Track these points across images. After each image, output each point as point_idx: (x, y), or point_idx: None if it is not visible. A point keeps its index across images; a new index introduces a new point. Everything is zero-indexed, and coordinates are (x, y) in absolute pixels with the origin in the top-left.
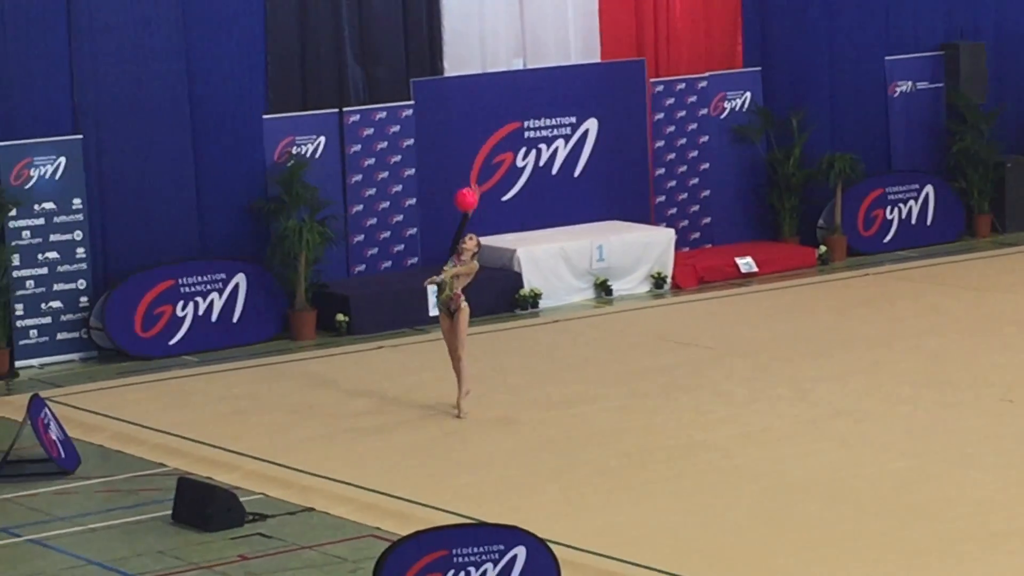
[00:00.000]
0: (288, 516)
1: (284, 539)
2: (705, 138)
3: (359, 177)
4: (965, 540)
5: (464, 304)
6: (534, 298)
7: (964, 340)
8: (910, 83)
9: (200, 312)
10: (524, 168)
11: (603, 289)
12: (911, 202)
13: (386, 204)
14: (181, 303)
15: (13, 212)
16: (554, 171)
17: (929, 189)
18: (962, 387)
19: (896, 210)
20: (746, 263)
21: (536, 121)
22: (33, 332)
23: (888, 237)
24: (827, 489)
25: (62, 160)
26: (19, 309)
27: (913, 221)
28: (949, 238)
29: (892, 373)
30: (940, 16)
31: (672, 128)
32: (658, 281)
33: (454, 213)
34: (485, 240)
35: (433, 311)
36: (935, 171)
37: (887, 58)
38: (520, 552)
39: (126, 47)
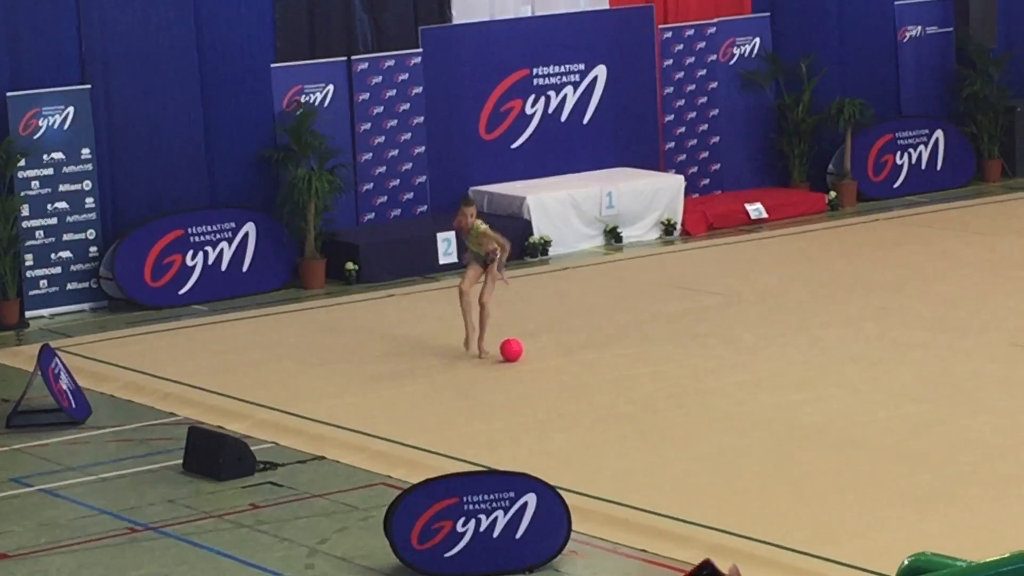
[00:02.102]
0: (299, 465)
1: (295, 488)
2: (714, 84)
3: (368, 125)
4: (975, 484)
5: (499, 256)
6: (544, 245)
7: (974, 285)
8: (919, 27)
9: (210, 261)
10: (533, 115)
11: (613, 236)
12: (921, 147)
13: (395, 152)
14: (191, 252)
15: (22, 162)
16: (563, 118)
17: (939, 134)
18: (973, 332)
19: (906, 155)
20: (756, 209)
21: (545, 68)
22: (43, 282)
23: (898, 182)
24: (837, 435)
25: (70, 110)
26: (29, 259)
27: (923, 166)
28: (959, 183)
29: (902, 318)
30: None
31: (681, 74)
32: (668, 228)
33: (462, 161)
34: (495, 188)
35: (444, 259)
36: (945, 116)
37: (896, 2)
38: (531, 499)
39: None
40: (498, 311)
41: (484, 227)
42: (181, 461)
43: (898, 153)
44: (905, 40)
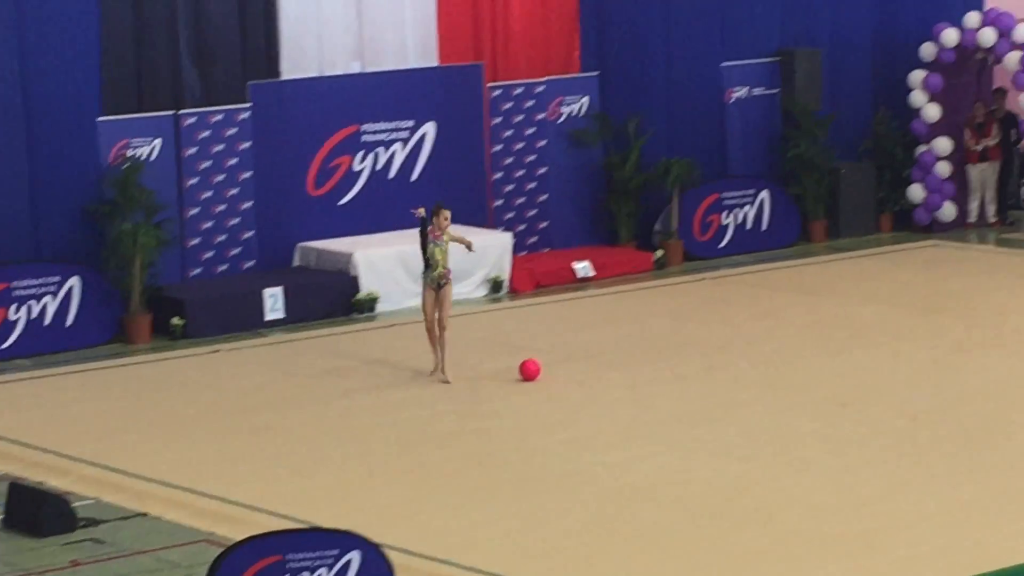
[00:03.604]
0: (121, 521)
1: (117, 544)
2: (543, 142)
3: (195, 180)
4: (798, 544)
5: (451, 279)
6: (371, 302)
7: (799, 345)
8: (746, 89)
9: (33, 315)
10: (361, 172)
11: None
12: (747, 207)
13: (222, 207)
14: (14, 306)
15: None
16: (391, 175)
17: (765, 194)
18: (796, 391)
19: (732, 215)
20: (583, 267)
21: (374, 124)
22: None
23: (724, 242)
24: (662, 493)
25: None
26: None
27: (748, 226)
28: (784, 243)
29: (727, 377)
30: (776, 22)
31: (510, 132)
32: (495, 285)
33: (290, 217)
34: (322, 244)
35: (270, 315)
36: (771, 177)
37: (723, 64)
38: (355, 557)
39: None
40: (323, 365)
41: (453, 232)
42: (1, 517)
43: (724, 213)
44: (732, 101)
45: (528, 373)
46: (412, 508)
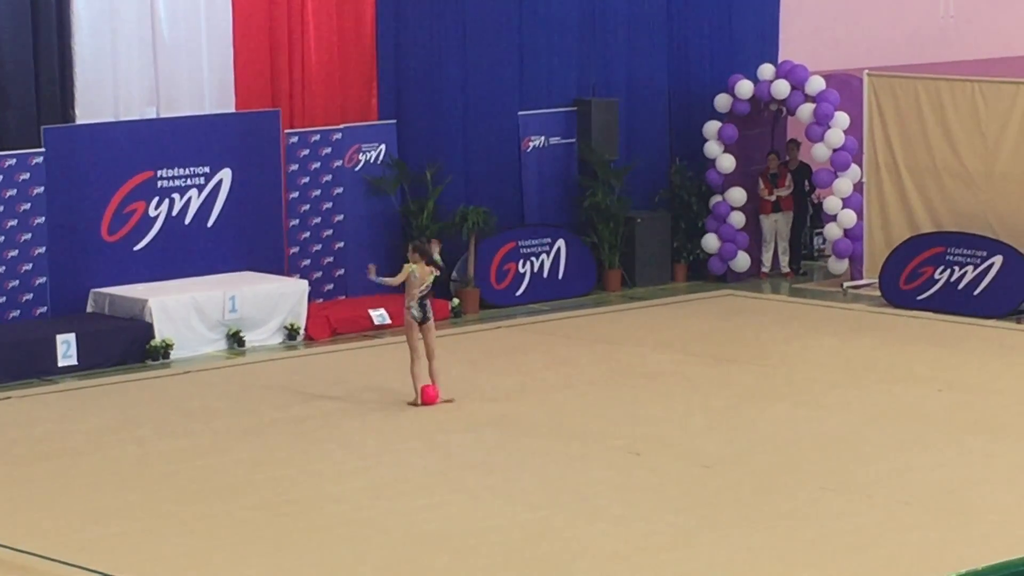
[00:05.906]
0: None
1: None
2: (339, 190)
3: None
4: None
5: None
6: (165, 348)
7: (593, 393)
8: (543, 138)
9: None
10: (157, 218)
11: (236, 340)
12: (543, 256)
13: (15, 252)
14: None
15: None
16: (187, 221)
17: (561, 243)
18: (591, 439)
19: (528, 263)
20: (379, 315)
21: (169, 171)
22: None
23: (520, 290)
24: (457, 541)
25: None
26: None
27: (545, 275)
28: (581, 292)
29: (522, 425)
30: (573, 72)
31: (307, 179)
32: (291, 332)
33: (84, 263)
34: (116, 290)
35: (62, 362)
36: (567, 225)
37: (520, 113)
38: None
39: None
40: (117, 415)
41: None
42: None
43: (521, 261)
44: (529, 150)
45: (428, 398)
46: (204, 557)
